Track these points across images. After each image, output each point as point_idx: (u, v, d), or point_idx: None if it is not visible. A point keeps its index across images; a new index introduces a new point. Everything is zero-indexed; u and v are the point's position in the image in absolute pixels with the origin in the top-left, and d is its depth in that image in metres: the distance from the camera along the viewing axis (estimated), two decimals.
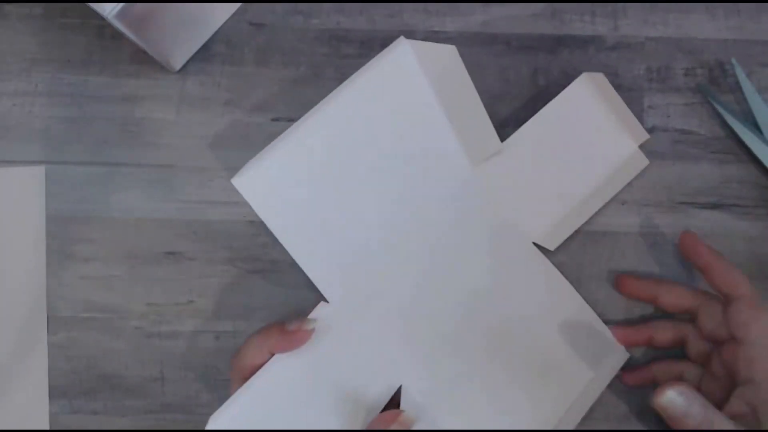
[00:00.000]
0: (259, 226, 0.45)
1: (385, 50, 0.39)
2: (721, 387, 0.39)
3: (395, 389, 0.40)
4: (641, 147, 0.45)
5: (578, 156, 0.44)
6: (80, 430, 0.44)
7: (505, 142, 0.43)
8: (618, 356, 0.42)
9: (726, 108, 0.45)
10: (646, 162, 0.44)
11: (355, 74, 0.39)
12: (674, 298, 0.41)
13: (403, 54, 0.38)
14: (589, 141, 0.44)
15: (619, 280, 0.43)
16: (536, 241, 0.43)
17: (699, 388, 0.40)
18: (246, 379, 0.38)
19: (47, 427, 0.43)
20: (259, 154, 0.37)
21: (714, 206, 0.45)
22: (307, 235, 0.39)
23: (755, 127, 0.44)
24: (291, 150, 0.38)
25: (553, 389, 0.41)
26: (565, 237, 0.43)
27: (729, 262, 0.39)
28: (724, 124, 0.45)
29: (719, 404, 0.38)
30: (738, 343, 0.37)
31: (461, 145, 0.42)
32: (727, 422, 0.35)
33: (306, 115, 0.38)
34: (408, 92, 0.39)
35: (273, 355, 0.38)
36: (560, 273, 0.43)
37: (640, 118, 0.45)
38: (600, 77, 0.45)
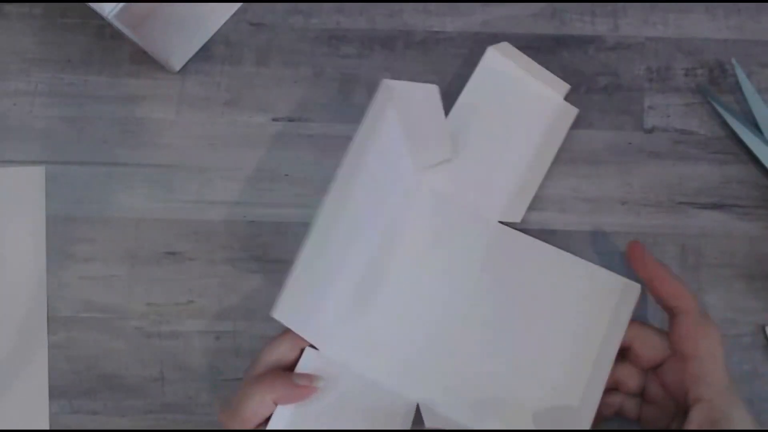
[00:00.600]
0: (259, 226, 0.45)
1: (374, 108, 0.37)
2: (662, 411, 0.38)
3: (414, 409, 0.40)
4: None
5: (510, 126, 0.44)
6: (80, 430, 0.44)
7: None
8: (631, 291, 0.41)
9: (726, 108, 0.45)
10: (575, 111, 0.45)
11: (353, 148, 0.37)
12: (673, 290, 0.38)
13: (387, 102, 0.37)
14: (515, 108, 0.45)
15: (632, 247, 0.40)
16: (501, 220, 0.43)
17: (639, 418, 0.40)
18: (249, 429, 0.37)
19: (47, 427, 0.43)
20: (290, 280, 0.37)
21: (714, 206, 0.45)
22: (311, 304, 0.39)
23: (755, 127, 0.44)
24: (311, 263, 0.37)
25: (573, 351, 0.40)
26: (525, 206, 0.43)
27: (675, 275, 0.39)
28: (724, 124, 0.45)
29: (665, 428, 0.38)
30: (684, 359, 0.37)
31: (409, 156, 0.42)
32: None
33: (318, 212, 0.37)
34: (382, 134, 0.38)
35: (276, 405, 0.38)
36: (539, 240, 0.43)
37: (640, 118, 0.46)
38: (506, 46, 0.45)
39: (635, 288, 0.41)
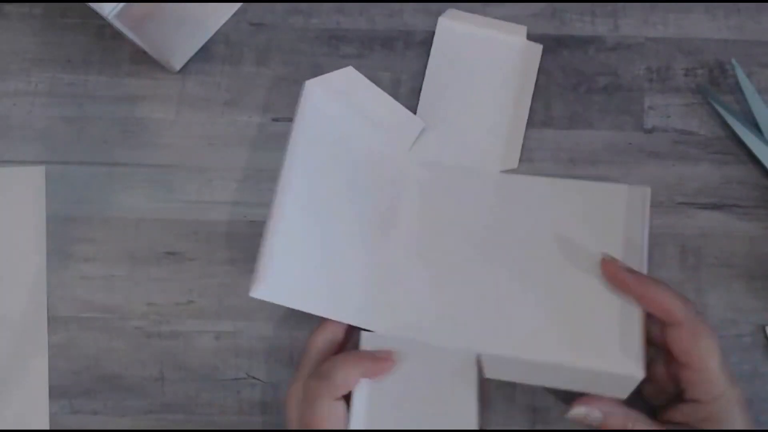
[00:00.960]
0: (259, 226, 0.45)
1: (300, 100, 0.42)
2: (662, 390, 0.38)
3: (476, 360, 0.40)
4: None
5: (483, 80, 0.46)
6: (80, 430, 0.44)
7: (418, 111, 0.46)
8: (640, 193, 0.41)
9: (726, 108, 0.45)
10: (540, 47, 0.46)
11: (291, 132, 0.41)
12: (659, 304, 0.37)
13: (313, 96, 0.42)
14: (482, 62, 0.46)
15: (605, 267, 0.39)
16: (501, 169, 0.45)
17: (639, 392, 0.39)
18: (337, 398, 0.38)
19: (47, 427, 0.43)
20: (261, 258, 0.39)
21: (714, 207, 0.45)
22: (332, 292, 0.40)
23: (755, 128, 0.44)
24: (281, 237, 0.40)
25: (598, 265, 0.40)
26: (519, 151, 0.45)
27: (659, 286, 0.37)
28: (724, 125, 0.45)
29: (662, 402, 0.38)
30: (678, 365, 0.36)
31: (393, 138, 0.45)
32: (645, 423, 0.36)
33: (273, 199, 0.40)
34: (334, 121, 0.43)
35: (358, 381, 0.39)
36: (541, 176, 0.44)
37: (640, 118, 0.46)
38: (455, 12, 0.47)
39: (645, 191, 0.41)
